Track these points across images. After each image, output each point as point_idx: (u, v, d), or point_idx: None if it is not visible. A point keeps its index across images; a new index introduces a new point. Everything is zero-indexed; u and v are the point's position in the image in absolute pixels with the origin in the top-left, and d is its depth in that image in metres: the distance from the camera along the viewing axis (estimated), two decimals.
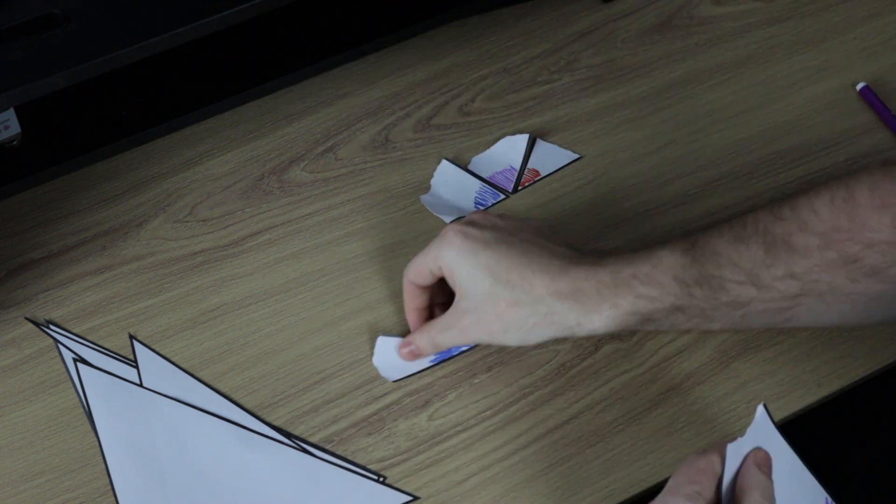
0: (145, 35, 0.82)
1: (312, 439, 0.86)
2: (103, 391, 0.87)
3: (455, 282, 0.83)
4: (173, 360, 0.89)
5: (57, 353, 0.89)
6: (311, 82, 1.02)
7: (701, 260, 0.79)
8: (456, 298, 0.84)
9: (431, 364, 0.88)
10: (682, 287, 0.80)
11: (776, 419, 0.88)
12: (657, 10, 1.07)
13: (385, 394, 0.88)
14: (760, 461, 0.73)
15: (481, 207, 0.96)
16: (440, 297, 0.88)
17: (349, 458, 0.85)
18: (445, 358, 0.88)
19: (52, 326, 0.90)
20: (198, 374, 0.88)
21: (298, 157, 0.99)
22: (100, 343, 0.89)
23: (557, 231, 0.91)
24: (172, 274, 0.93)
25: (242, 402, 0.87)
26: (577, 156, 0.99)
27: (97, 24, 0.82)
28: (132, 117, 0.97)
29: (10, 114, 0.93)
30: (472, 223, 0.84)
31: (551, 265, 0.81)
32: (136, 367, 0.88)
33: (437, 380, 0.88)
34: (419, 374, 0.88)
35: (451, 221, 0.88)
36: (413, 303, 0.88)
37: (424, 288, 0.87)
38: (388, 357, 0.88)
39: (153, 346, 0.89)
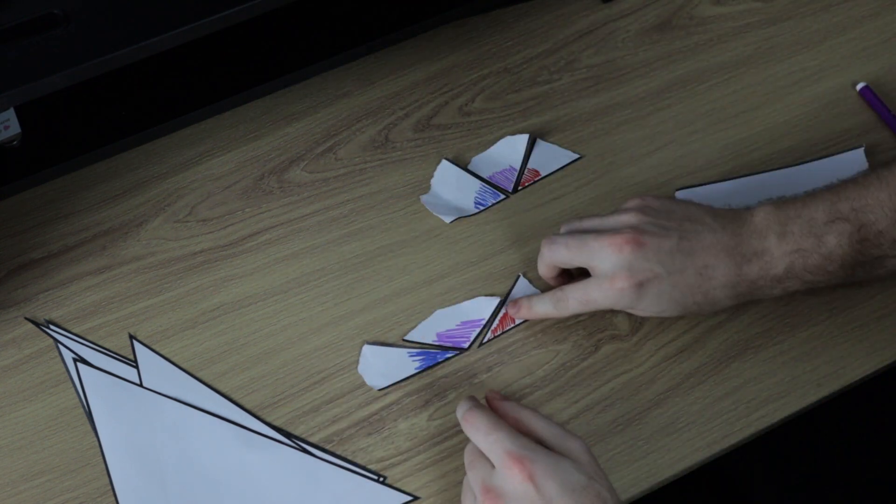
0: (145, 35, 0.82)
1: (312, 439, 0.86)
2: (103, 391, 0.87)
3: None
4: (173, 360, 0.89)
5: (57, 354, 0.89)
6: (311, 82, 1.02)
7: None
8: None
9: (417, 371, 0.88)
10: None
11: (775, 419, 0.88)
12: (657, 10, 1.07)
13: (385, 394, 0.88)
14: None
15: (481, 208, 0.96)
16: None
17: (349, 458, 0.85)
18: (431, 364, 0.88)
19: (52, 326, 0.90)
20: (198, 374, 0.88)
21: (298, 157, 0.99)
22: (100, 343, 0.89)
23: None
24: (172, 274, 0.93)
25: (242, 402, 0.87)
26: (577, 156, 0.99)
27: (97, 24, 0.82)
28: (132, 117, 0.97)
29: (10, 114, 0.93)
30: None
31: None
32: (136, 367, 0.88)
33: (437, 380, 0.88)
34: (411, 379, 0.88)
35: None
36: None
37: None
38: (374, 365, 0.88)
39: (153, 346, 0.89)
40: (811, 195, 0.86)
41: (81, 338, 0.89)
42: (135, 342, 0.89)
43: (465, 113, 1.01)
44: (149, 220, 0.96)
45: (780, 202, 0.86)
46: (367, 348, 0.89)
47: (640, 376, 0.88)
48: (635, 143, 1.00)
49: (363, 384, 0.88)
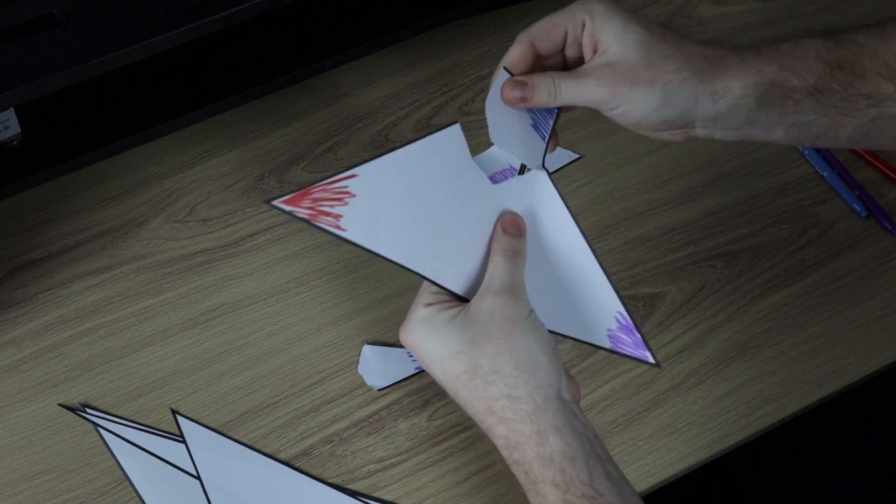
0: (145, 35, 0.82)
1: (312, 439, 0.86)
2: (151, 475, 0.84)
3: (600, 33, 0.76)
4: (174, 360, 0.89)
5: (57, 353, 0.88)
6: (311, 82, 1.02)
7: (842, 45, 0.78)
8: (598, 53, 0.76)
9: (417, 371, 0.88)
10: (825, 65, 0.78)
11: (775, 419, 0.88)
12: (657, 10, 1.07)
13: (385, 394, 0.88)
14: (507, 224, 0.78)
15: None
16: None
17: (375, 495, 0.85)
18: None
19: (88, 410, 0.87)
20: (198, 374, 0.88)
21: (298, 157, 0.99)
22: (141, 421, 0.86)
23: None
24: (172, 274, 0.93)
25: (242, 402, 0.87)
26: (577, 156, 0.99)
27: (97, 24, 0.82)
28: (132, 117, 0.97)
29: (10, 114, 0.92)
30: None
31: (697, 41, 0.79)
32: (184, 441, 0.85)
33: None
34: (411, 379, 0.88)
35: None
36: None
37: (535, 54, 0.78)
38: (374, 365, 0.88)
39: (154, 348, 0.89)
40: None
41: (121, 418, 0.86)
42: (178, 416, 0.86)
43: (465, 113, 1.01)
44: (149, 220, 0.96)
45: None
46: (367, 348, 0.89)
47: (640, 376, 0.88)
48: (635, 143, 0.99)
49: (363, 384, 0.88)
